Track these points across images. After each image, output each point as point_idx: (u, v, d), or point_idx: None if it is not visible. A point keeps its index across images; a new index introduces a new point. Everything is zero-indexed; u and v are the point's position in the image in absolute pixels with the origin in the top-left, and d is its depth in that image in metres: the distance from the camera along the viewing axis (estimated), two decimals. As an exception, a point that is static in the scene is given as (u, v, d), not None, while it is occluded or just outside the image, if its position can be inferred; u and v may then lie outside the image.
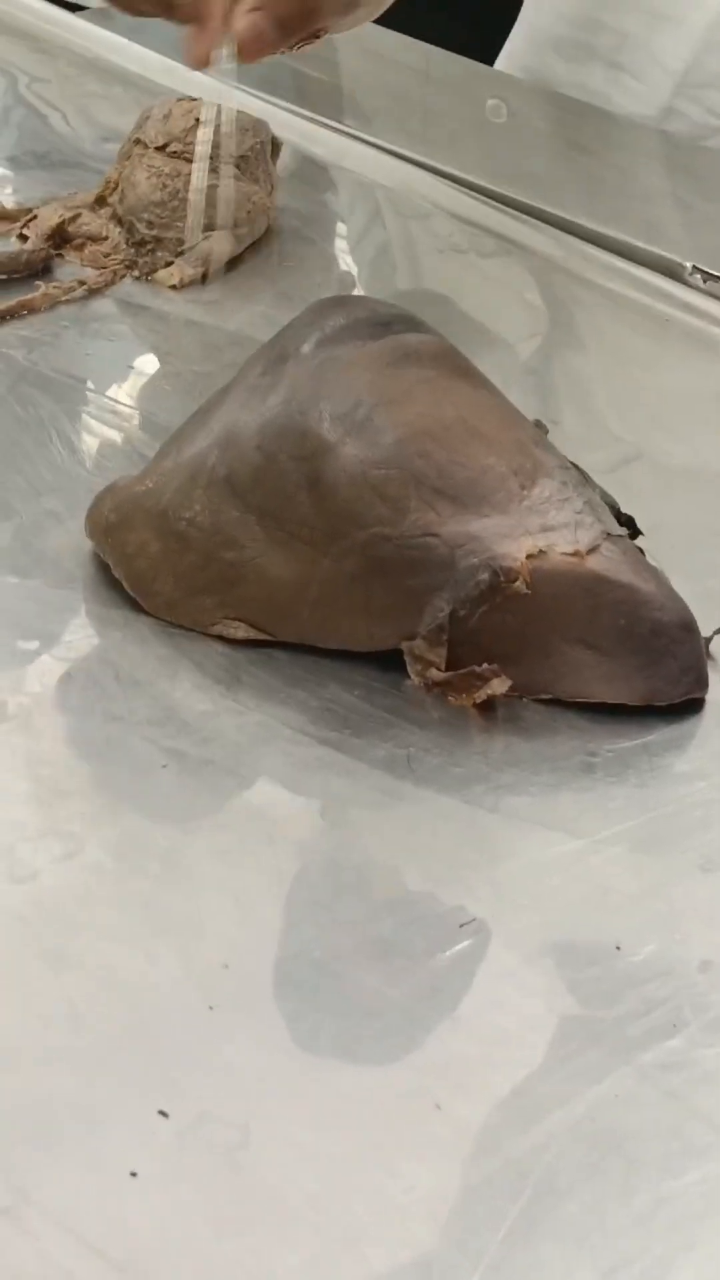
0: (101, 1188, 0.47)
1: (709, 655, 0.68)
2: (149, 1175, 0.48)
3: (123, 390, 0.84)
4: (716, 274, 0.93)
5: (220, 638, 0.67)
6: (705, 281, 0.93)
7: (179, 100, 0.96)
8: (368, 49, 1.11)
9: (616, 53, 1.08)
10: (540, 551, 0.65)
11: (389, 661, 0.66)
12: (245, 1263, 0.46)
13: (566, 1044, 0.53)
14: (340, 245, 1.00)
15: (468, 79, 1.10)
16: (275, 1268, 0.46)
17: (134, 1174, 0.48)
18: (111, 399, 0.83)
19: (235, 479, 0.67)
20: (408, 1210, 0.48)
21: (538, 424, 0.72)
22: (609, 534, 0.67)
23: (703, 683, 0.66)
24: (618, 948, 0.56)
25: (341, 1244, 0.47)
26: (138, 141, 0.95)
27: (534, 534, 0.66)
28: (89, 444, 0.79)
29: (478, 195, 1.02)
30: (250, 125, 0.95)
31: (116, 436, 0.80)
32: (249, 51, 0.78)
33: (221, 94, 1.01)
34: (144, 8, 0.83)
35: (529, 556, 0.65)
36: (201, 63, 0.81)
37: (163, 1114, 0.49)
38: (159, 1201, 0.47)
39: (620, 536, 0.68)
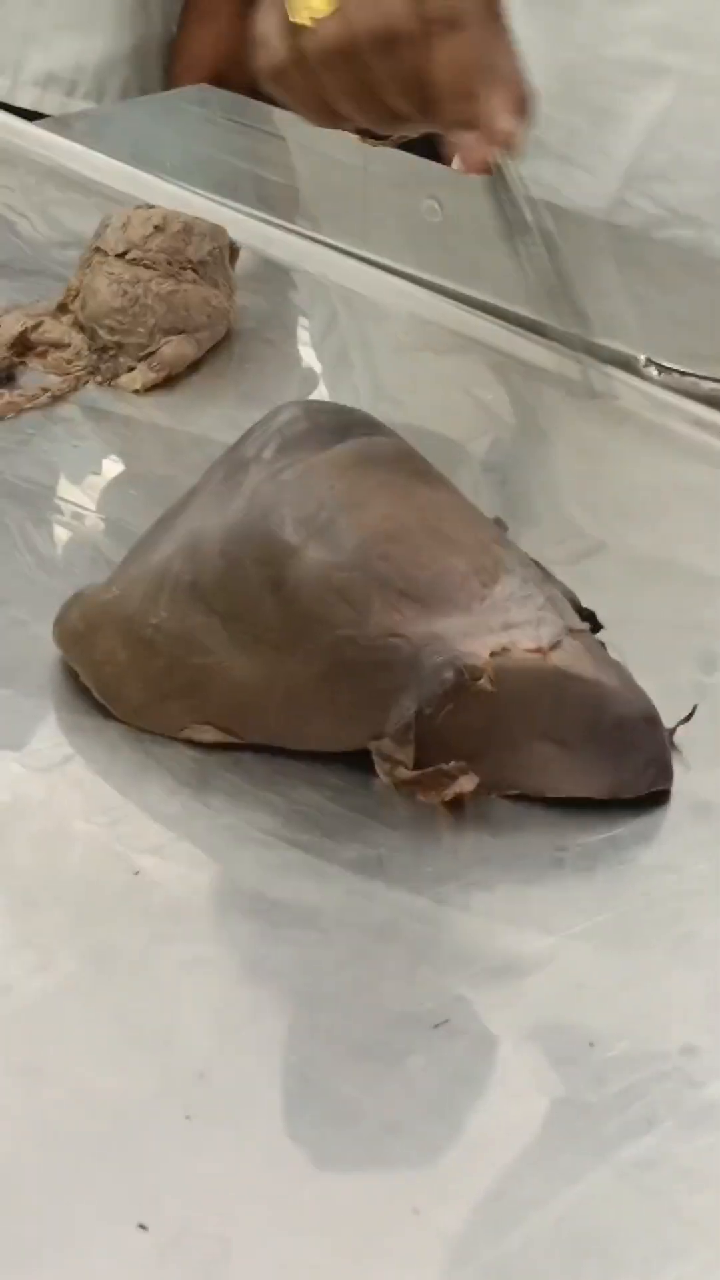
0: (81, 1306, 0.47)
1: (673, 747, 0.69)
2: (128, 1291, 0.48)
3: (88, 495, 0.85)
4: (671, 367, 0.95)
5: (190, 741, 0.68)
6: (660, 374, 0.95)
7: (137, 208, 0.97)
8: (317, 149, 1.13)
9: (566, 146, 1.10)
10: (503, 649, 0.66)
11: (358, 761, 0.66)
12: None
13: (543, 1144, 0.53)
14: (300, 346, 1.01)
15: (408, 176, 1.12)
16: None
17: (113, 1291, 0.48)
18: (77, 504, 0.84)
19: (200, 585, 0.68)
20: (389, 1319, 0.48)
21: (498, 521, 0.73)
22: (571, 629, 0.68)
23: (667, 774, 0.67)
24: (591, 1044, 0.56)
25: None
26: (97, 249, 0.96)
27: (496, 631, 0.66)
28: (55, 551, 0.80)
29: (432, 292, 1.03)
30: (208, 231, 0.97)
31: (83, 543, 0.81)
32: (518, 149, 0.81)
33: (177, 200, 1.03)
34: (395, 106, 0.81)
35: (492, 654, 0.65)
36: (483, 168, 0.83)
37: (142, 1228, 0.49)
38: (139, 1318, 0.47)
39: (582, 631, 0.68)
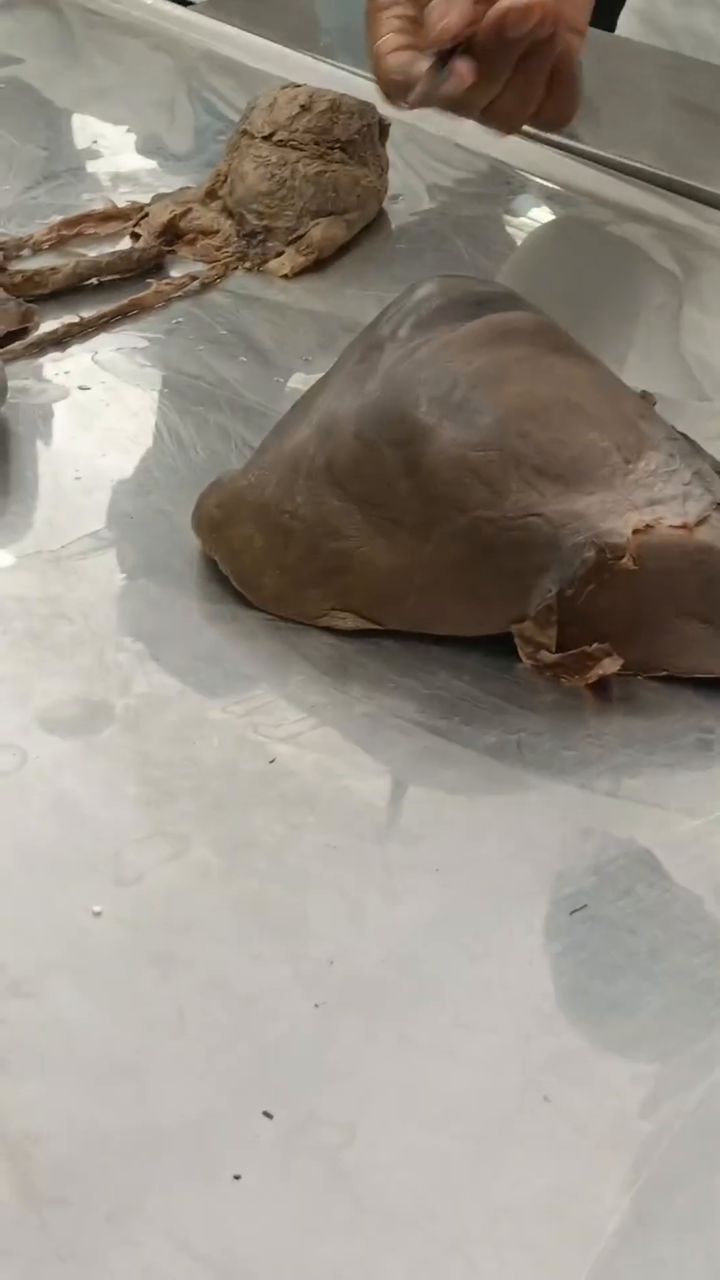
0: (205, 1193, 0.47)
1: None
2: (253, 1179, 0.48)
3: (235, 383, 0.84)
4: None
5: (328, 629, 0.67)
6: None
7: (283, 88, 0.95)
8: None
9: None
10: (647, 526, 0.63)
11: (499, 646, 0.65)
12: (348, 1268, 0.46)
13: (682, 1030, 0.52)
14: (453, 224, 0.98)
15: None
16: (379, 1273, 0.45)
17: (238, 1177, 0.48)
18: (224, 393, 0.82)
19: (335, 468, 0.67)
20: (516, 1209, 0.47)
21: (644, 395, 0.70)
22: (719, 504, 0.65)
23: None
24: (735, 932, 0.55)
25: (448, 1247, 0.46)
26: (244, 132, 0.94)
27: (640, 508, 0.64)
28: (199, 441, 0.79)
29: (591, 164, 1.00)
30: (356, 108, 0.94)
31: (227, 431, 0.80)
32: None
33: (326, 73, 1.01)
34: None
35: (635, 532, 0.63)
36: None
37: (267, 1115, 0.49)
38: (262, 1205, 0.47)
39: (733, 506, 0.66)
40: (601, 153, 1.00)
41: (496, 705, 0.64)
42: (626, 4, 1.17)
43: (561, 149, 1.01)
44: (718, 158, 0.98)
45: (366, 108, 0.95)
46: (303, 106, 0.93)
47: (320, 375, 0.73)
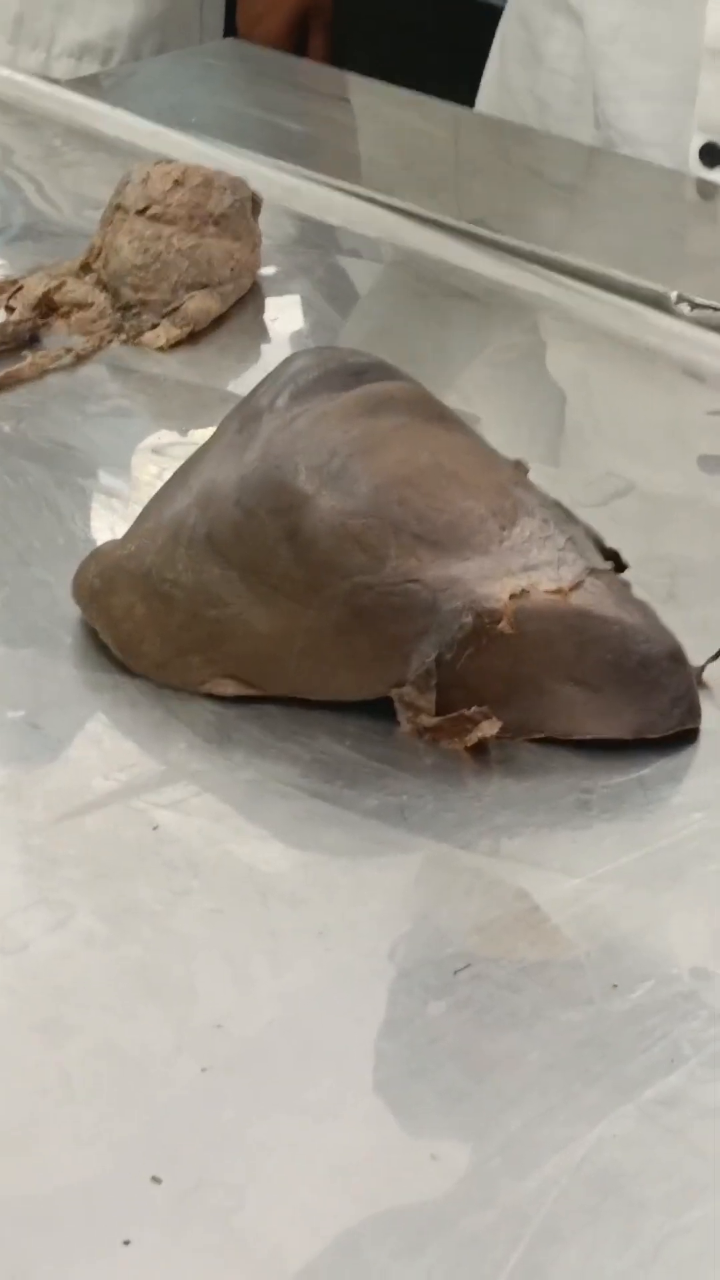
0: (95, 1261, 0.47)
1: (702, 685, 0.68)
2: (144, 1245, 0.48)
3: (112, 455, 0.84)
4: (703, 303, 0.93)
5: (210, 695, 0.67)
6: (691, 310, 0.93)
7: (157, 163, 0.96)
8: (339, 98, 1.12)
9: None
10: (523, 591, 0.65)
11: (379, 710, 0.66)
12: (242, 1328, 0.46)
13: (565, 1086, 0.52)
14: (326, 296, 1.00)
15: (442, 120, 1.11)
16: (273, 1331, 0.46)
17: (127, 1243, 0.47)
18: (100, 464, 0.83)
19: (216, 537, 0.67)
20: (406, 1268, 0.47)
21: (517, 464, 0.72)
22: (593, 569, 0.67)
23: (695, 713, 0.66)
24: (615, 986, 0.56)
25: (339, 1303, 0.46)
26: (118, 207, 0.95)
27: (516, 573, 0.65)
28: (78, 511, 0.79)
29: (460, 239, 1.02)
30: (229, 184, 0.96)
31: (106, 502, 0.80)
32: None
33: (197, 149, 1.02)
34: None
35: (512, 596, 0.64)
36: None
37: (156, 1180, 0.49)
38: (154, 1270, 0.47)
39: (605, 571, 0.67)
40: (469, 228, 1.02)
41: (378, 769, 0.65)
42: (485, 72, 1.20)
43: (437, 226, 1.03)
44: (588, 236, 1.00)
45: (239, 183, 0.96)
46: (176, 181, 0.94)
47: (197, 445, 0.74)
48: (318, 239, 1.05)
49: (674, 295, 0.94)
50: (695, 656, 0.68)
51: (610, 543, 0.71)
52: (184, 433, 0.86)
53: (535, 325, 0.95)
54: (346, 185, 1.07)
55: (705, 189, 1.08)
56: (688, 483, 0.83)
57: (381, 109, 1.22)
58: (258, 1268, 0.47)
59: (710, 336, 0.92)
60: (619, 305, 0.95)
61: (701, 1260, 0.47)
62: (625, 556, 0.71)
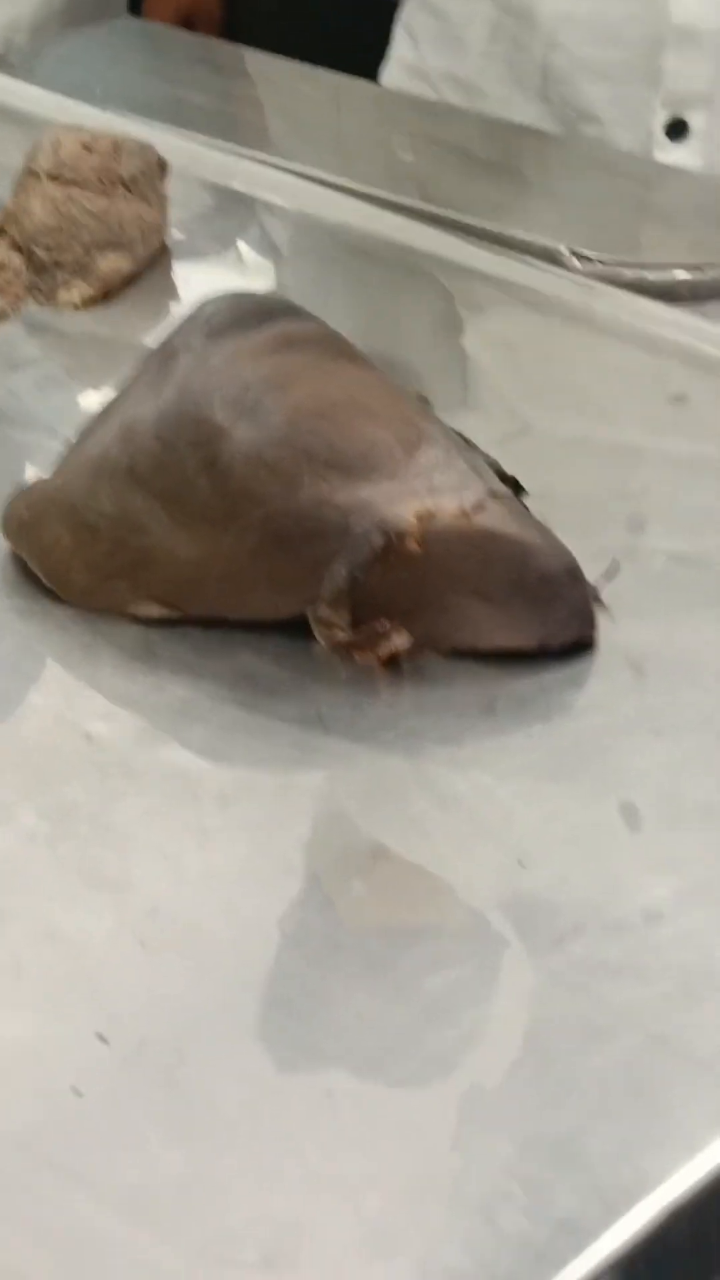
0: (50, 1107, 0.51)
1: (599, 602, 0.72)
2: (94, 1094, 0.51)
3: (32, 404, 0.88)
4: (593, 257, 0.98)
5: (136, 618, 0.71)
6: (582, 264, 0.98)
7: (67, 129, 1.00)
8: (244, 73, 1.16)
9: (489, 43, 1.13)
10: (429, 512, 0.69)
11: (298, 627, 0.70)
12: (189, 1164, 0.50)
13: (480, 953, 0.57)
14: (233, 260, 1.04)
15: (336, 90, 1.16)
16: (216, 1168, 0.50)
17: (80, 1094, 0.51)
18: (20, 416, 0.86)
19: (138, 469, 0.71)
20: (337, 1108, 0.52)
21: (420, 397, 0.76)
22: (493, 492, 0.71)
23: (590, 624, 0.70)
24: (521, 864, 0.60)
25: (277, 1141, 0.50)
26: (30, 172, 0.99)
27: (422, 496, 0.69)
28: (3, 459, 0.83)
29: (362, 200, 1.06)
30: (136, 148, 0.99)
31: (27, 450, 0.84)
32: None
33: (106, 121, 1.06)
34: None
35: (419, 517, 0.69)
36: None
37: (103, 1039, 0.53)
38: (105, 1116, 0.51)
39: (505, 494, 0.72)
40: (374, 191, 1.06)
41: (297, 682, 0.69)
42: (390, 56, 1.24)
43: (337, 189, 1.07)
44: (477, 192, 1.05)
45: (146, 148, 1.00)
46: (86, 146, 0.98)
47: (113, 395, 0.78)
48: (224, 204, 1.09)
49: (565, 249, 0.98)
50: (590, 578, 0.72)
51: (508, 473, 0.75)
52: (100, 385, 0.89)
53: (438, 283, 0.99)
54: (253, 153, 1.11)
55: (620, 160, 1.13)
56: (583, 423, 0.87)
57: (290, 84, 1.25)
58: (199, 1114, 0.51)
59: (600, 288, 0.96)
60: (513, 261, 0.99)
61: (607, 1097, 0.52)
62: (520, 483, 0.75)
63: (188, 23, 1.55)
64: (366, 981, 0.56)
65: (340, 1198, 0.49)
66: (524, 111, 1.14)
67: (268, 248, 1.06)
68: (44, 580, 0.72)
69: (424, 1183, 0.49)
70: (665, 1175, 0.49)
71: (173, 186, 1.03)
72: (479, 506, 0.70)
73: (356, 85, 1.19)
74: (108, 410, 0.75)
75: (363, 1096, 0.52)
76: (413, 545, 0.68)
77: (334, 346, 0.74)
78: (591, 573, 0.72)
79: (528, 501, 0.76)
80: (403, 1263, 0.47)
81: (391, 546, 0.68)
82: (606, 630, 0.71)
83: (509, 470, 0.76)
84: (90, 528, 0.72)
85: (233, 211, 1.08)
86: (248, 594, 0.70)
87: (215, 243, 1.04)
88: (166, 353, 0.74)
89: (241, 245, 1.05)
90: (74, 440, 0.76)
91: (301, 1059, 0.53)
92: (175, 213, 1.03)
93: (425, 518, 0.69)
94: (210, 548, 0.70)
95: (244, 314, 0.74)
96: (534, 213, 1.02)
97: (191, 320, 0.75)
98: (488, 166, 1.09)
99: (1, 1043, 0.53)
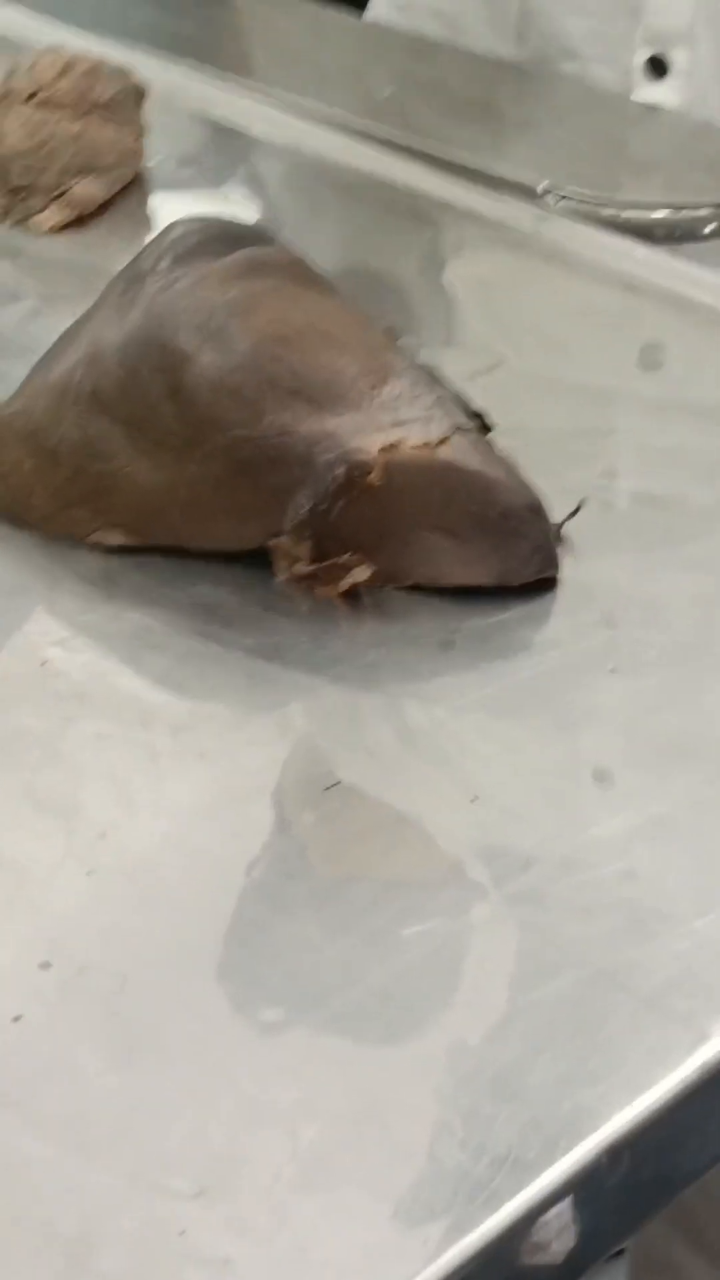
0: (-13, 1032, 0.51)
1: (560, 540, 0.72)
2: (33, 1020, 0.51)
3: (2, 329, 0.87)
4: (569, 194, 0.97)
5: (97, 546, 0.70)
6: (558, 201, 0.97)
7: (45, 50, 0.98)
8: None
9: None
10: (393, 445, 0.68)
11: (259, 559, 0.69)
12: (126, 1092, 0.49)
13: (427, 885, 0.57)
14: (210, 188, 1.03)
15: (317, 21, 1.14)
16: (153, 1096, 0.49)
17: (17, 1019, 0.51)
18: (-10, 337, 0.86)
19: (101, 393, 0.70)
20: (277, 1039, 0.51)
21: (388, 329, 0.75)
22: (458, 426, 0.70)
23: (552, 561, 0.70)
24: (475, 798, 0.60)
25: (215, 1071, 0.50)
26: (6, 93, 0.97)
27: (386, 429, 0.69)
28: (-33, 380, 0.82)
29: (343, 133, 1.05)
30: (115, 73, 0.98)
31: (-5, 371, 0.83)
32: None
33: (87, 45, 1.04)
34: None
35: (382, 450, 0.68)
36: None
37: (45, 965, 0.53)
38: (43, 1042, 0.51)
39: (470, 429, 0.71)
40: (355, 123, 1.05)
41: (256, 614, 0.68)
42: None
43: (317, 120, 1.06)
44: (456, 129, 1.04)
45: (125, 72, 0.99)
46: (63, 69, 0.97)
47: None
48: (203, 133, 1.08)
49: (542, 187, 0.97)
50: (554, 516, 0.72)
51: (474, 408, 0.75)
52: (71, 310, 0.88)
53: (416, 217, 0.98)
54: (234, 82, 1.10)
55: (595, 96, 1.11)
56: (554, 362, 0.86)
57: (270, 14, 1.24)
58: (138, 1041, 0.51)
59: (577, 226, 0.96)
60: (490, 197, 0.98)
61: (551, 1032, 0.51)
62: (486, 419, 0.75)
63: None
64: (313, 912, 0.55)
65: (277, 1129, 0.48)
66: (504, 47, 1.12)
67: (246, 177, 1.05)
68: (3, 506, 0.72)
69: (362, 1115, 0.49)
70: (606, 1111, 0.49)
71: (152, 113, 1.02)
72: (443, 440, 0.69)
73: (338, 17, 1.18)
74: (71, 332, 0.75)
75: (303, 1028, 0.51)
76: (375, 478, 0.67)
77: (302, 274, 0.73)
78: (558, 511, 0.72)
79: (495, 437, 0.75)
80: (338, 1195, 0.47)
81: (354, 479, 0.67)
82: (569, 568, 0.71)
83: (478, 406, 0.76)
84: (51, 453, 0.71)
85: (212, 140, 1.07)
86: (209, 523, 0.69)
87: (192, 170, 1.03)
88: (133, 275, 0.73)
89: (219, 174, 1.04)
90: (36, 362, 0.75)
91: (243, 991, 0.53)
92: (153, 139, 1.02)
93: (388, 450, 0.68)
94: (173, 475, 0.69)
95: (211, 238, 0.73)
96: (513, 150, 1.01)
97: (158, 243, 0.74)
98: (468, 103, 1.07)
99: (-58, 966, 0.53)
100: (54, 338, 0.83)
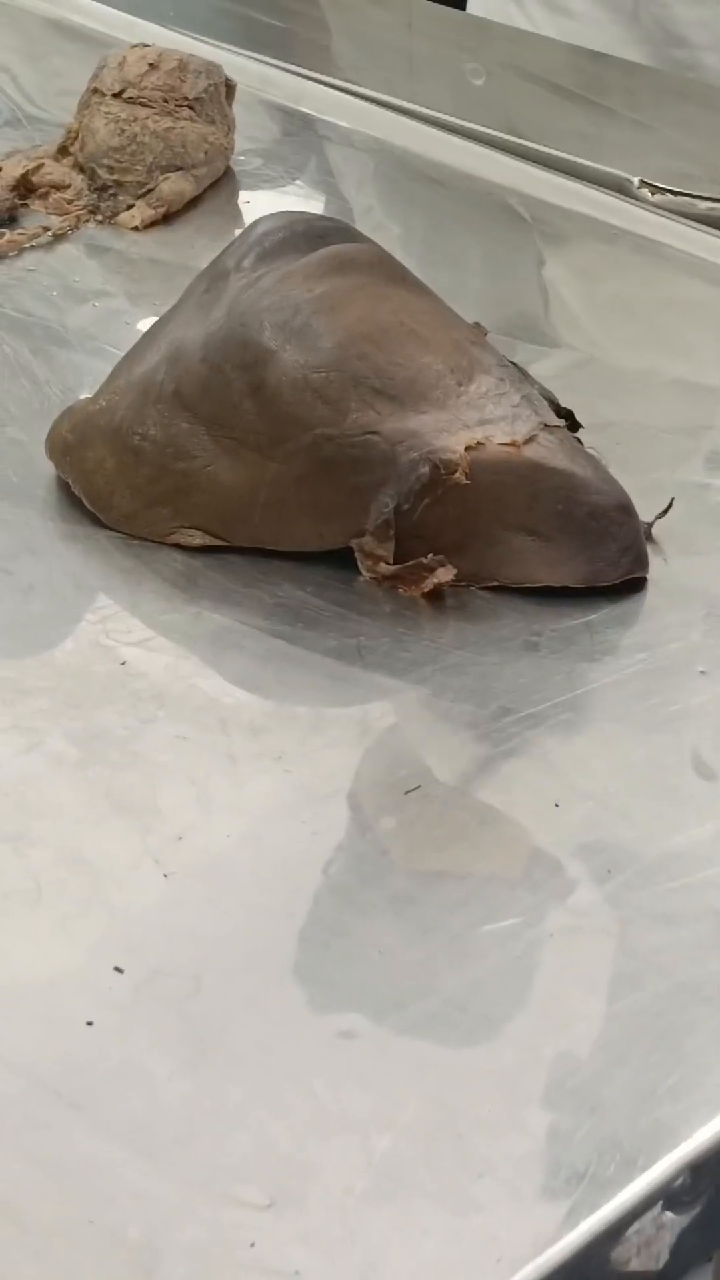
0: (58, 1036, 0.50)
1: (651, 540, 0.70)
2: (104, 1024, 0.51)
3: (87, 326, 0.86)
4: (664, 187, 0.95)
5: (178, 546, 0.70)
6: (654, 195, 0.95)
7: (133, 47, 0.98)
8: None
9: None
10: (478, 443, 0.67)
11: (341, 559, 0.68)
12: (195, 1098, 0.49)
13: (507, 893, 0.55)
14: (298, 183, 1.02)
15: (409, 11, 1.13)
16: (222, 1101, 0.49)
17: (90, 1024, 0.50)
18: (75, 336, 0.85)
19: (184, 392, 0.70)
20: (351, 1046, 0.50)
21: (476, 325, 0.74)
22: (546, 424, 0.69)
23: (642, 562, 0.69)
24: (557, 805, 0.58)
25: (286, 1077, 0.49)
26: (95, 90, 0.97)
27: (471, 427, 0.68)
28: (53, 378, 0.81)
29: (433, 127, 1.04)
30: (204, 68, 0.98)
31: (80, 368, 0.82)
32: None
33: (175, 41, 1.04)
34: None
35: (467, 448, 0.67)
36: None
37: (118, 970, 0.52)
38: (113, 1047, 0.50)
39: (558, 427, 0.70)
40: (446, 117, 1.04)
41: (338, 614, 0.67)
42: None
43: (408, 114, 1.05)
44: (559, 125, 1.02)
45: (213, 67, 0.98)
46: (151, 65, 0.96)
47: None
48: (291, 127, 1.07)
49: (636, 181, 0.96)
50: (644, 514, 0.70)
51: (564, 406, 0.73)
52: (156, 306, 0.88)
53: (505, 210, 0.97)
54: (320, 76, 1.09)
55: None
56: (644, 357, 0.85)
57: (362, 6, 1.23)
58: (209, 1046, 0.50)
59: (670, 221, 0.94)
60: (584, 191, 0.97)
61: (630, 1043, 0.50)
62: (578, 419, 0.73)
63: None
64: (390, 919, 0.54)
65: (350, 1139, 0.48)
66: (611, 32, 1.11)
67: (335, 172, 1.04)
68: (86, 504, 0.71)
69: (437, 1127, 0.48)
70: (686, 1129, 0.48)
71: (240, 108, 1.02)
72: (530, 438, 0.68)
73: (430, 8, 1.16)
74: (154, 331, 0.74)
75: (378, 1037, 0.51)
76: (460, 477, 0.67)
77: (388, 270, 0.72)
78: (649, 509, 0.71)
79: (584, 435, 0.74)
80: (412, 1208, 0.46)
81: (438, 478, 0.66)
82: (659, 569, 0.70)
83: (569, 402, 0.74)
84: (134, 451, 0.70)
85: (300, 135, 1.07)
86: (291, 523, 0.69)
87: (282, 166, 1.03)
88: (216, 273, 0.73)
89: (307, 168, 1.03)
90: (120, 361, 0.75)
91: (318, 995, 0.52)
92: (243, 135, 1.01)
93: (474, 449, 0.67)
94: (255, 474, 0.69)
95: (297, 235, 0.73)
96: (611, 142, 1.00)
97: (243, 240, 0.73)
98: (568, 95, 1.06)
99: (16, 969, 0.52)
100: (137, 336, 0.83)
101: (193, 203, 0.97)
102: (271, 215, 0.74)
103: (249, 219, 0.96)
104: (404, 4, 1.15)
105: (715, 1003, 0.51)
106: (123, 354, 0.81)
